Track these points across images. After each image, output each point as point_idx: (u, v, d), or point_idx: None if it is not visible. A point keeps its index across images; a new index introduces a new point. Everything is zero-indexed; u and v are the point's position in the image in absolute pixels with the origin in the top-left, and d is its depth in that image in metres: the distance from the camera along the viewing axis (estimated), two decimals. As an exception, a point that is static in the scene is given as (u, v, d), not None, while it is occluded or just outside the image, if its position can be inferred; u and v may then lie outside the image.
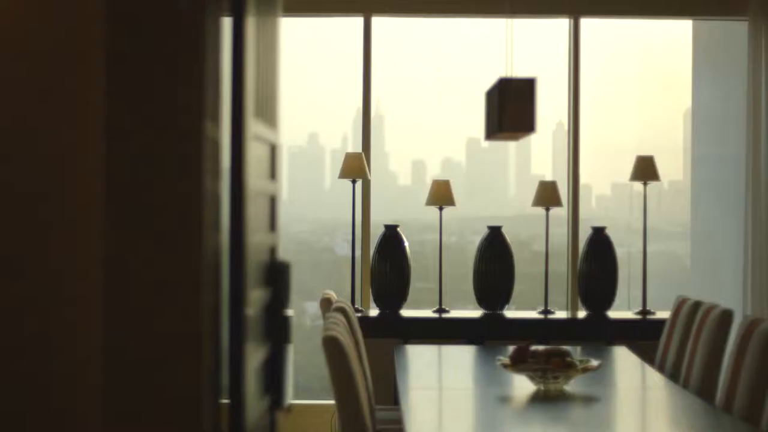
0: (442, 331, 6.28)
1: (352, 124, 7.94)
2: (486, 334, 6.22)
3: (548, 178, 7.45)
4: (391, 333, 6.23)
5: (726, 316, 4.79)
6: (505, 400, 4.28)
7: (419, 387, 4.57)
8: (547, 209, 6.49)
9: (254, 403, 2.39)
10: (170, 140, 2.11)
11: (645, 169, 6.46)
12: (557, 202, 6.47)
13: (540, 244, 6.97)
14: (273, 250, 2.69)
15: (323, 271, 7.62)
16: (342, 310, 4.60)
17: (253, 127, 2.32)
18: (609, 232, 6.49)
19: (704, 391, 4.68)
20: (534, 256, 7.38)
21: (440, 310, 6.43)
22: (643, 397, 4.54)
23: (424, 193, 6.54)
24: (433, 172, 7.88)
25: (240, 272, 2.23)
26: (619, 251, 6.66)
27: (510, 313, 6.47)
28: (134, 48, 2.11)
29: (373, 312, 6.42)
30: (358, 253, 6.66)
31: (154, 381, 2.11)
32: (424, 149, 7.74)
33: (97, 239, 2.09)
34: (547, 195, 6.45)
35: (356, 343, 4.53)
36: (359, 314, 6.30)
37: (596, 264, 6.34)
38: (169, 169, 2.11)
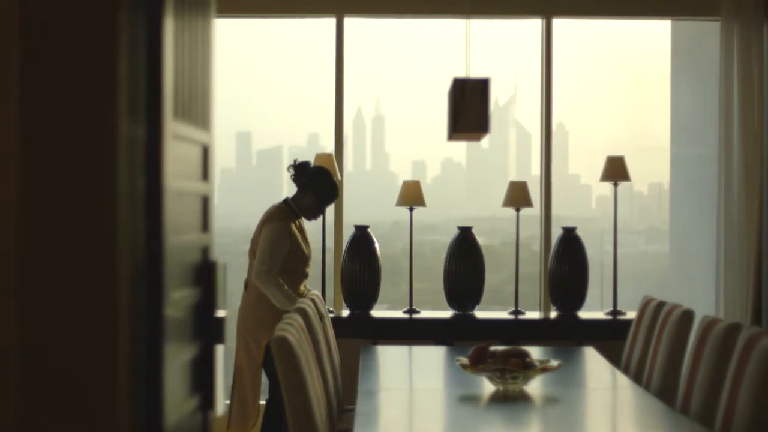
0: (412, 332, 6.29)
1: (352, 125, 7.94)
2: (456, 334, 6.22)
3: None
4: (362, 333, 6.23)
5: (686, 317, 4.80)
6: (460, 400, 4.28)
7: (378, 388, 4.57)
8: (518, 210, 6.49)
9: (178, 403, 2.39)
10: (84, 139, 2.11)
11: (615, 170, 6.46)
12: (527, 203, 6.47)
13: (540, 244, 6.98)
14: (206, 250, 2.69)
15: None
16: (302, 311, 4.60)
17: (175, 127, 2.32)
18: (608, 232, 6.51)
19: (665, 391, 4.68)
20: (532, 256, 7.40)
21: (410, 311, 6.44)
22: (601, 398, 4.53)
23: (425, 194, 6.52)
24: (434, 172, 7.88)
25: (158, 272, 2.23)
26: (619, 251, 6.64)
27: (480, 313, 6.48)
28: (48, 47, 2.10)
29: (346, 312, 6.43)
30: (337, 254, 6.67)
31: (70, 382, 2.11)
32: (424, 149, 7.74)
33: (9, 241, 2.08)
34: (517, 195, 6.45)
35: (315, 344, 4.52)
36: (330, 314, 6.30)
37: (567, 264, 6.34)
38: (82, 169, 2.11)
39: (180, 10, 2.38)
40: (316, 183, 5.41)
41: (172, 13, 2.28)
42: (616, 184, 6.51)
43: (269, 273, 5.21)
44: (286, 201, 5.44)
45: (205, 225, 2.70)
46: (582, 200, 7.91)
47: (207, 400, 2.65)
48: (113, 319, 2.11)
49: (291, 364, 3.61)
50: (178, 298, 2.39)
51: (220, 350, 2.80)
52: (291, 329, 3.84)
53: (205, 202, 2.71)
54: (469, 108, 4.17)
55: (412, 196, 6.40)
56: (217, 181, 8.16)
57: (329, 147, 7.26)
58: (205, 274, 2.65)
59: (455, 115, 4.22)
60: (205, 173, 2.69)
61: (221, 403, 2.84)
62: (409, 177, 7.74)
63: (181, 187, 2.39)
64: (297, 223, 5.42)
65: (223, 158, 8.17)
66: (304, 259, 5.40)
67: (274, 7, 6.72)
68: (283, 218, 5.34)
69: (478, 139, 4.64)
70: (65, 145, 2.10)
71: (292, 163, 5.51)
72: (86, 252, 2.10)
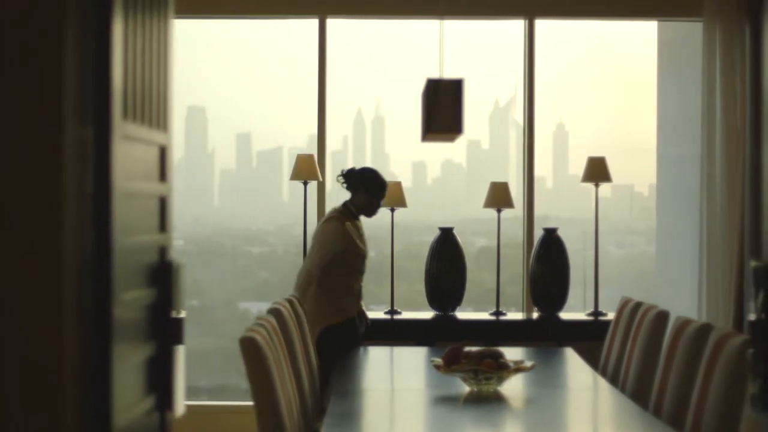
0: (393, 333, 6.28)
1: (353, 126, 7.92)
2: (437, 335, 6.22)
3: (548, 179, 7.47)
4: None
5: (661, 318, 4.79)
6: (433, 401, 4.28)
7: (353, 389, 4.56)
8: (499, 210, 6.49)
9: (130, 403, 2.39)
10: (29, 138, 2.11)
11: (596, 170, 6.46)
12: (508, 204, 6.47)
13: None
14: (163, 251, 2.69)
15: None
16: (276, 312, 4.60)
17: (125, 127, 2.32)
18: (608, 233, 6.50)
19: (640, 392, 4.68)
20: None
21: (392, 311, 6.44)
22: (573, 399, 4.52)
23: (425, 195, 6.52)
24: (434, 173, 7.87)
25: (106, 272, 2.22)
26: (619, 252, 6.62)
27: (461, 314, 6.47)
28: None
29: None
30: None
31: (14, 383, 2.11)
32: (424, 150, 7.74)
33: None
34: (498, 196, 6.45)
35: (289, 344, 4.52)
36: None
37: (548, 265, 6.34)
38: (28, 168, 2.11)
39: (132, 11, 2.37)
40: (365, 183, 5.67)
41: (121, 13, 2.27)
42: (597, 185, 6.51)
43: (310, 271, 5.56)
44: (344, 204, 5.74)
45: (163, 225, 2.70)
46: (582, 201, 7.92)
47: (164, 401, 2.65)
48: (58, 319, 2.11)
49: (258, 364, 3.61)
50: (131, 299, 2.39)
51: (179, 351, 2.80)
52: (260, 330, 3.84)
53: (163, 203, 2.70)
54: (442, 108, 4.17)
55: (392, 196, 6.40)
56: (217, 181, 8.15)
57: (329, 147, 7.26)
58: (162, 274, 2.65)
59: (429, 116, 4.22)
60: (163, 174, 2.69)
61: (180, 403, 2.84)
62: (409, 178, 7.72)
63: (133, 187, 2.39)
64: (353, 223, 5.68)
65: (223, 159, 8.18)
66: (359, 257, 5.66)
67: (257, 8, 6.73)
68: (338, 219, 5.64)
69: (452, 139, 4.64)
70: (9, 144, 2.10)
71: (340, 173, 5.77)
72: (31, 251, 2.10)
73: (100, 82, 2.21)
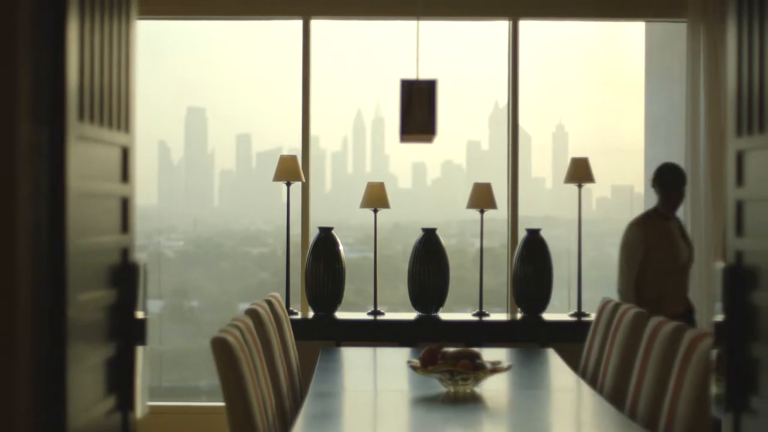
0: (376, 334, 6.28)
1: (352, 126, 7.93)
2: (420, 336, 6.22)
3: (548, 180, 7.46)
4: (326, 335, 6.23)
5: (639, 318, 4.79)
6: (408, 402, 4.27)
7: (330, 390, 4.56)
8: (482, 211, 6.49)
9: (88, 404, 2.39)
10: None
11: (580, 171, 6.45)
12: (492, 205, 6.47)
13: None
14: (125, 252, 2.68)
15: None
16: (253, 313, 4.60)
17: (82, 128, 2.31)
18: (608, 234, 6.50)
19: (618, 393, 4.68)
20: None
21: (375, 312, 6.43)
22: (551, 400, 4.52)
23: (425, 196, 6.49)
24: (434, 174, 7.87)
25: (61, 272, 2.22)
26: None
27: (444, 315, 6.47)
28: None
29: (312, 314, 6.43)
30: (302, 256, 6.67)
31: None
32: (424, 152, 7.75)
33: None
34: (481, 197, 6.44)
35: (267, 345, 4.52)
36: (295, 316, 6.31)
37: (531, 266, 6.33)
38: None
39: (90, 11, 2.37)
40: (654, 180, 5.75)
41: (77, 12, 2.27)
42: (580, 186, 6.51)
43: (628, 279, 5.56)
44: (655, 206, 5.79)
45: (125, 226, 2.69)
46: (583, 202, 7.95)
47: (126, 401, 2.64)
48: (12, 320, 2.11)
49: (230, 365, 3.60)
50: (89, 300, 2.38)
51: (143, 351, 2.80)
52: (234, 330, 3.84)
53: (125, 204, 2.70)
54: (416, 110, 4.18)
55: (376, 197, 6.40)
56: (217, 182, 8.17)
57: (329, 148, 7.25)
58: (124, 275, 2.64)
59: (403, 118, 4.23)
60: (125, 175, 2.69)
61: (142, 403, 2.83)
62: (409, 179, 7.69)
63: (90, 188, 2.39)
64: (659, 223, 5.69)
65: (223, 160, 8.20)
66: (665, 257, 5.64)
67: (241, 9, 6.73)
68: (637, 223, 5.71)
69: (429, 140, 4.64)
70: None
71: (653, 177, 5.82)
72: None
73: (56, 83, 2.21)
